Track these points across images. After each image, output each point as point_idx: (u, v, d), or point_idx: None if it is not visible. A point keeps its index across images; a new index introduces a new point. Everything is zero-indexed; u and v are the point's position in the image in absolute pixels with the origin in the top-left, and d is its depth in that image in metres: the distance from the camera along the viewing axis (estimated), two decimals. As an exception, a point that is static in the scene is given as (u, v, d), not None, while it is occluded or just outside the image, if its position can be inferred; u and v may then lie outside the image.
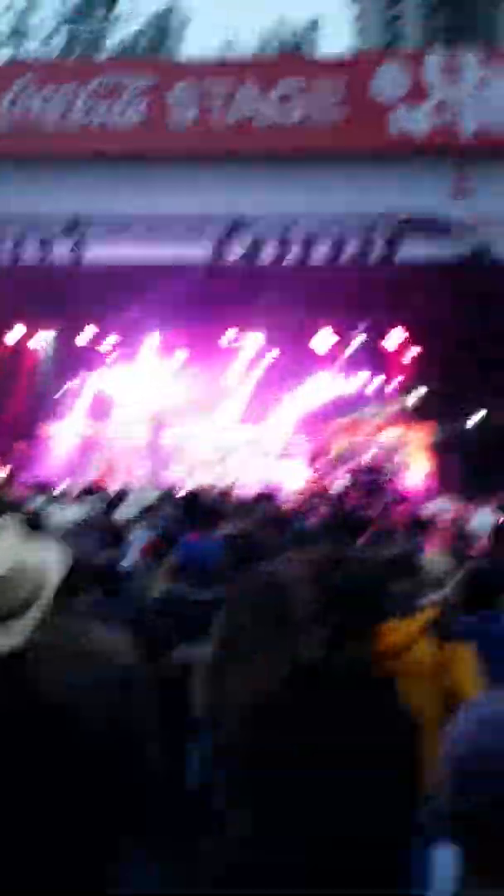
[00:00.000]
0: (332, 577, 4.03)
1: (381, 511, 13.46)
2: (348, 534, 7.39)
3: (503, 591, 6.55)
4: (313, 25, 50.31)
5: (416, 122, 19.46)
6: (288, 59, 38.73)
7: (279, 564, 4.74)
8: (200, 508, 10.03)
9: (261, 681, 4.07)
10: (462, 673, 5.40)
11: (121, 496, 11.72)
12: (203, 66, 22.44)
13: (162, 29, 46.32)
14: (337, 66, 21.06)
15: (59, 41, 48.39)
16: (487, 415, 23.95)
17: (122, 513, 10.15)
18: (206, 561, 5.86)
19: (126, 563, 8.22)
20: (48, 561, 3.15)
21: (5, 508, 9.17)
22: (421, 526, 10.13)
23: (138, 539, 9.04)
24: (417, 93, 19.46)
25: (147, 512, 9.09)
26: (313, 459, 25.01)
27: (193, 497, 11.44)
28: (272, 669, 4.08)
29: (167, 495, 11.56)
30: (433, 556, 7.07)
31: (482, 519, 10.63)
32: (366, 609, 3.77)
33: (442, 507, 11.94)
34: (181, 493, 13.37)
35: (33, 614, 3.00)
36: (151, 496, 9.88)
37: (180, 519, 9.63)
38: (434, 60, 19.91)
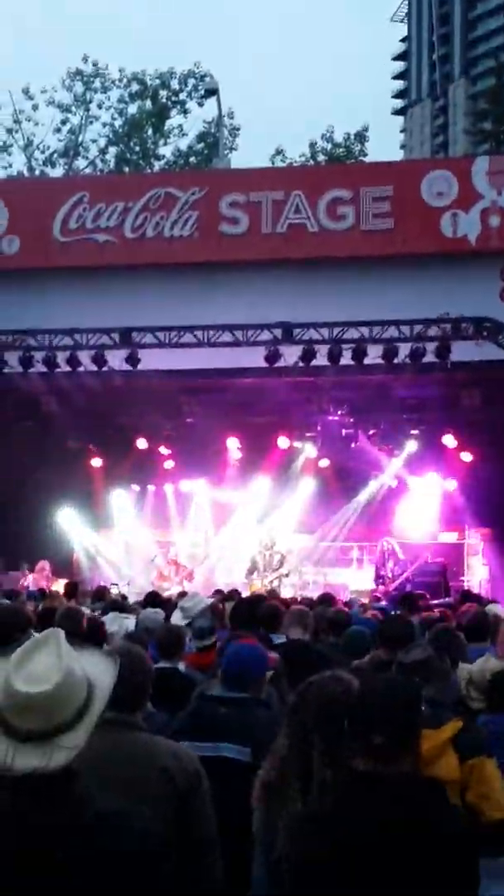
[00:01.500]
0: (372, 686, 3.90)
1: (442, 613, 13.30)
2: (401, 638, 7.25)
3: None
4: (361, 136, 50.63)
5: (465, 226, 19.59)
6: (337, 166, 39.12)
7: (335, 673, 4.63)
8: (242, 615, 10.01)
9: (319, 793, 3.99)
10: (486, 789, 5.13)
11: (175, 604, 11.69)
12: (253, 174, 22.73)
13: (212, 140, 46.87)
14: (386, 173, 21.29)
15: (110, 155, 49.26)
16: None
17: (173, 620, 10.13)
18: (240, 665, 5.86)
19: (183, 668, 8.21)
20: (98, 673, 3.07)
21: (58, 619, 9.16)
22: (481, 628, 9.95)
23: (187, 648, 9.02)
24: (466, 197, 19.62)
25: (193, 621, 9.06)
26: (378, 566, 24.78)
27: (240, 603, 11.46)
28: (330, 781, 4.00)
29: (216, 603, 11.58)
30: (488, 662, 6.83)
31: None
32: (401, 721, 3.62)
33: (498, 611, 11.69)
34: (235, 599, 13.46)
35: (84, 729, 2.91)
36: (199, 604, 9.84)
37: (219, 628, 9.61)
38: (481, 165, 20.09)
